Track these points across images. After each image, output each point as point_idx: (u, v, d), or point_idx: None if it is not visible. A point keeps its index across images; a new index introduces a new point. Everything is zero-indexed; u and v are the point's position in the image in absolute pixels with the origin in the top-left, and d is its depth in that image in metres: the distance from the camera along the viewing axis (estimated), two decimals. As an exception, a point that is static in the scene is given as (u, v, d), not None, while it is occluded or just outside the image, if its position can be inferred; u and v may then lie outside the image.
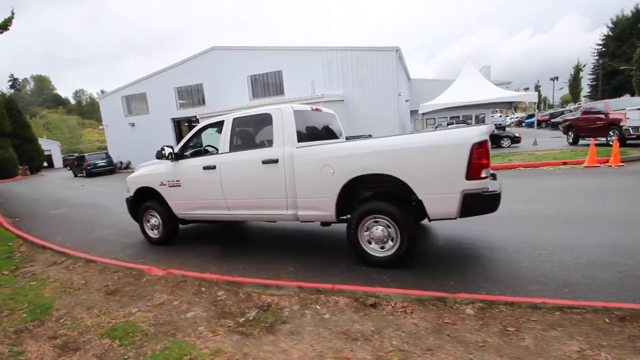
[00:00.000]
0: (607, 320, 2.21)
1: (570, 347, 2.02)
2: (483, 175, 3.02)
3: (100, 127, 32.78)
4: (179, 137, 23.07)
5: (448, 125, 26.61)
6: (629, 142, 10.53)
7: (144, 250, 5.03)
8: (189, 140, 4.82)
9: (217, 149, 5.20)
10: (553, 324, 2.25)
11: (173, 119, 22.79)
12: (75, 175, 23.32)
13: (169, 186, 4.80)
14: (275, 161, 3.89)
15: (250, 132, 4.51)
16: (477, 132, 3.01)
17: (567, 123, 14.88)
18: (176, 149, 4.76)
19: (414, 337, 2.29)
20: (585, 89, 55.90)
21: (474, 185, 3.04)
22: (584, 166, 8.12)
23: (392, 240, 3.49)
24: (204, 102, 21.33)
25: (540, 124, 32.72)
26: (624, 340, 2.03)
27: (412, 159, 3.21)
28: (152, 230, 5.24)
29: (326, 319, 2.61)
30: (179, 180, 4.71)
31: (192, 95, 21.95)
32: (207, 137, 5.18)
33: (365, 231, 3.59)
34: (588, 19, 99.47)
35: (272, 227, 5.65)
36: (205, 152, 5.10)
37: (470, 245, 3.95)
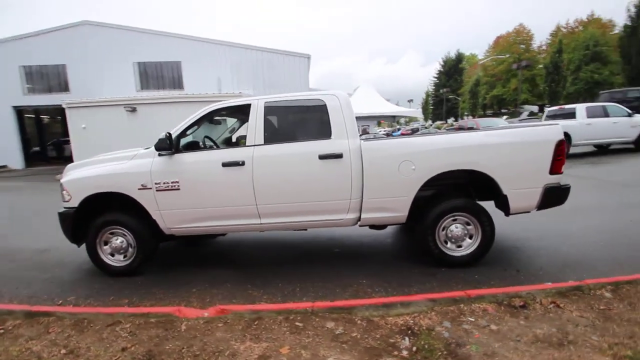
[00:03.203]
0: None
1: None
2: (561, 170, 3.29)
3: None
4: (22, 132, 17.25)
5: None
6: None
7: (102, 286, 3.44)
8: (187, 128, 3.58)
9: (214, 142, 4.10)
10: (674, 294, 2.60)
11: (16, 107, 16.87)
12: None
13: (158, 190, 3.44)
14: (339, 156, 3.28)
15: (292, 121, 3.70)
16: (559, 130, 3.26)
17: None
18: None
19: (600, 329, 2.24)
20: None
21: (554, 179, 3.27)
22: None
23: (469, 238, 3.41)
24: (67, 89, 16.63)
25: (404, 136, 39.17)
26: None
27: (503, 155, 3.22)
28: (114, 255, 3.65)
29: (497, 331, 2.30)
30: (176, 182, 3.43)
31: (49, 78, 16.82)
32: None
33: (442, 230, 3.40)
34: (423, 57, 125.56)
35: (256, 238, 4.74)
36: (204, 146, 3.90)
37: (505, 238, 4.21)
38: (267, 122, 3.46)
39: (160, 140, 3.25)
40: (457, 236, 3.38)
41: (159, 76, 16.98)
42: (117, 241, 3.60)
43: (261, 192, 3.37)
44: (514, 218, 3.51)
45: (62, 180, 3.66)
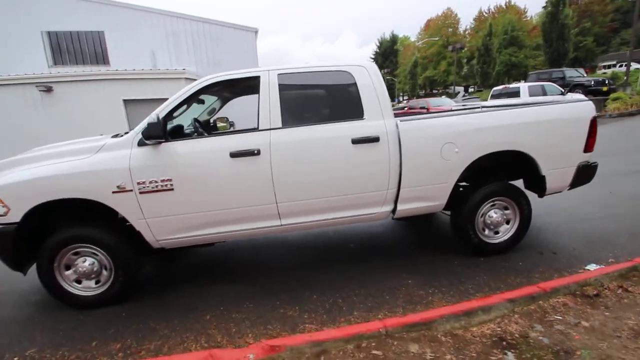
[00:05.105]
0: None
1: None
2: (593, 148, 3.21)
3: None
4: None
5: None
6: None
7: (69, 326, 2.56)
8: (174, 109, 2.74)
9: (201, 125, 3.27)
10: None
11: None
12: None
13: (143, 192, 2.60)
14: (375, 140, 2.78)
15: (313, 98, 3.04)
16: (593, 107, 3.15)
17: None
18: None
19: (684, 313, 2.17)
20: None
21: (586, 157, 3.19)
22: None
23: (507, 223, 3.22)
24: (-52, 64, 13.06)
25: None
26: None
27: (544, 133, 3.02)
28: (82, 281, 2.74)
29: (591, 328, 2.10)
30: (169, 180, 2.61)
31: None
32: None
33: (480, 217, 3.15)
34: (359, 38, 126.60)
35: (250, 240, 4.10)
36: (196, 131, 3.07)
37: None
38: (283, 100, 2.78)
39: (150, 125, 2.39)
40: (496, 222, 3.15)
41: (77, 49, 14.19)
42: (85, 263, 2.69)
43: (282, 187, 2.73)
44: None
45: (-9, 186, 2.57)
